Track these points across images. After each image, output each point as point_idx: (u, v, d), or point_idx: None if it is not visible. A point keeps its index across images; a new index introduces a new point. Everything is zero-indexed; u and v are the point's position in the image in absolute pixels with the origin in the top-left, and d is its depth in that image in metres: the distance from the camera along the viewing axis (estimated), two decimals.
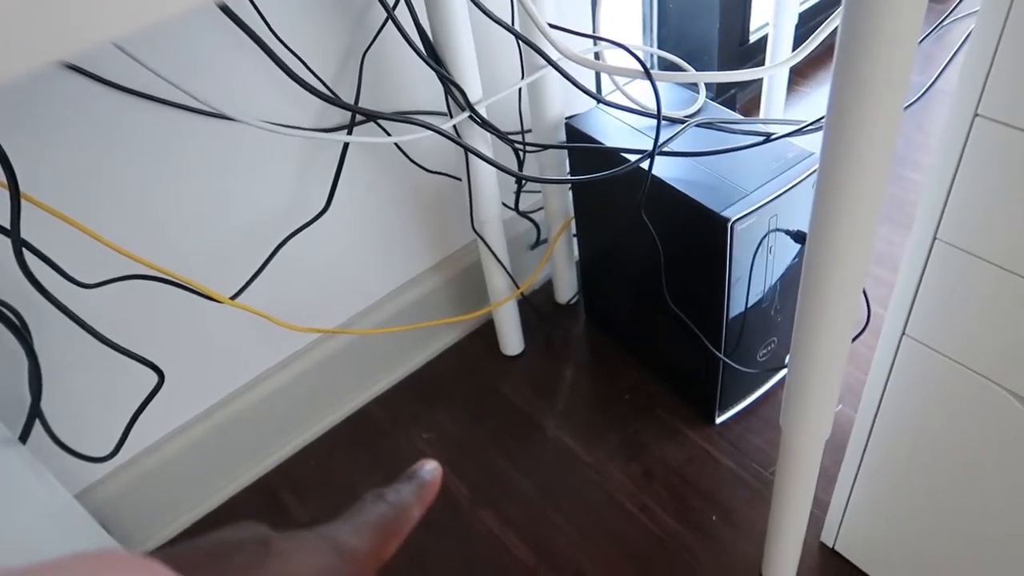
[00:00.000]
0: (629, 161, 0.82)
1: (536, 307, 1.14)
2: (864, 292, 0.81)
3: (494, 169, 0.87)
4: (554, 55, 0.79)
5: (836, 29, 0.42)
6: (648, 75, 0.76)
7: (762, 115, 1.20)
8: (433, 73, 0.80)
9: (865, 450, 0.69)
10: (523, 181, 1.05)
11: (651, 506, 0.88)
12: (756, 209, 0.75)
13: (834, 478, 0.75)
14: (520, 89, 0.96)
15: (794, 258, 0.84)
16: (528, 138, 0.99)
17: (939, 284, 0.55)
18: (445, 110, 0.84)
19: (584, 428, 0.98)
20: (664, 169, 0.81)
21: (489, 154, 0.85)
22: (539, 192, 1.09)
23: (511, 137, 0.88)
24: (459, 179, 0.98)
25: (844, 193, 0.46)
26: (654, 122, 0.82)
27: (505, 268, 0.97)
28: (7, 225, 0.61)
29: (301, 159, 0.84)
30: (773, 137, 0.81)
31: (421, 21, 0.77)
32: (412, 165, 0.94)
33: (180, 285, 0.75)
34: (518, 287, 1.01)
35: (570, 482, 0.92)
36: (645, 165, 0.80)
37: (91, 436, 0.80)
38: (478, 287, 1.06)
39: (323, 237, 0.90)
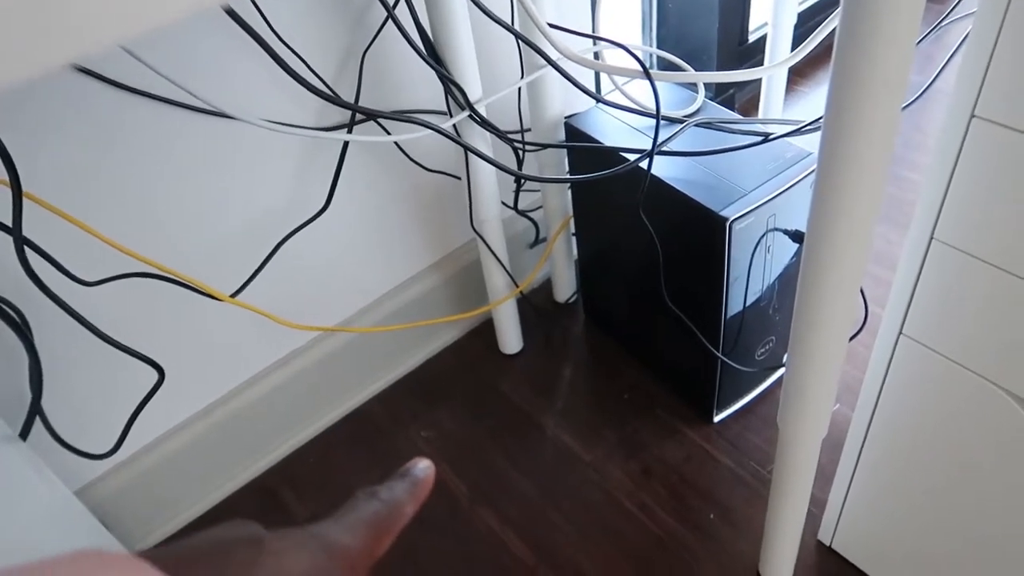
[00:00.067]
0: (628, 160, 0.82)
1: (535, 306, 1.14)
2: (862, 291, 0.81)
3: (493, 168, 0.87)
4: (554, 55, 0.79)
5: (835, 29, 0.42)
6: (647, 75, 0.77)
7: (761, 115, 1.20)
8: (433, 72, 0.80)
9: (862, 449, 0.70)
10: (522, 180, 1.05)
11: (650, 504, 0.89)
12: (754, 209, 0.75)
13: (831, 477, 0.75)
14: (520, 88, 0.96)
15: (792, 257, 0.84)
16: (527, 137, 0.99)
17: (936, 284, 0.55)
18: (445, 109, 0.85)
19: (583, 427, 0.98)
20: (663, 169, 0.81)
21: (489, 153, 0.85)
22: (538, 191, 1.10)
23: (510, 136, 0.88)
24: (459, 178, 0.99)
25: (842, 193, 0.47)
26: (653, 122, 0.82)
27: (504, 267, 0.98)
28: (7, 222, 0.61)
29: (301, 158, 0.84)
30: (772, 137, 0.82)
31: (421, 20, 0.77)
32: (412, 164, 0.94)
33: (180, 283, 0.75)
34: (517, 286, 1.02)
35: (569, 481, 0.92)
36: (644, 164, 0.80)
37: (91, 433, 0.80)
38: (477, 286, 1.06)
39: (323, 235, 0.90)
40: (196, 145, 0.75)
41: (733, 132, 0.84)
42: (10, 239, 0.63)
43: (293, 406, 0.97)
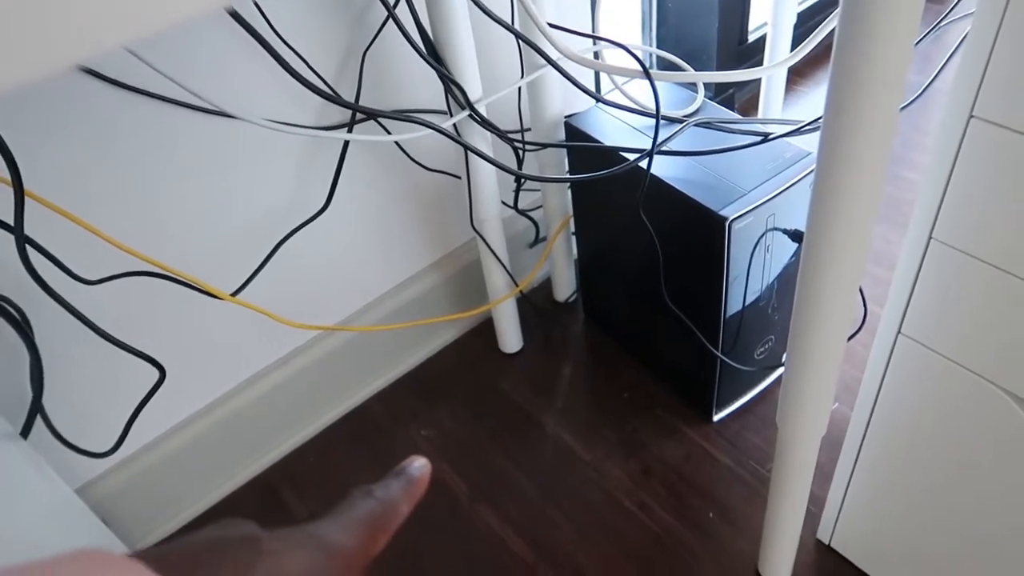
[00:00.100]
0: (628, 160, 0.82)
1: (535, 305, 1.14)
2: (861, 291, 0.82)
3: (493, 167, 0.88)
4: (554, 54, 0.80)
5: (834, 29, 0.42)
6: (647, 75, 0.77)
7: (760, 115, 1.20)
8: (433, 72, 0.80)
9: (861, 447, 0.70)
10: (522, 180, 1.05)
11: (649, 503, 0.89)
12: (754, 208, 0.75)
13: (830, 475, 0.76)
14: (520, 88, 0.96)
15: (791, 257, 0.85)
16: (527, 137, 0.99)
17: (934, 283, 0.56)
18: (445, 109, 0.85)
19: (583, 426, 0.98)
20: (663, 168, 0.81)
21: (489, 153, 0.85)
22: (538, 191, 1.10)
23: (511, 136, 0.88)
24: (459, 177, 0.99)
25: (841, 193, 0.47)
26: (653, 121, 0.83)
27: (504, 266, 0.98)
28: (6, 221, 0.61)
29: (302, 157, 0.84)
30: (771, 137, 0.82)
31: (422, 20, 0.77)
32: (412, 163, 0.94)
33: (181, 281, 0.76)
34: (517, 285, 1.02)
35: (569, 479, 0.93)
36: (644, 164, 0.81)
37: (92, 432, 0.80)
38: (477, 285, 1.06)
39: (323, 234, 0.91)
40: (197, 144, 0.76)
41: (733, 132, 0.85)
42: (10, 237, 0.63)
43: (293, 405, 0.97)
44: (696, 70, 0.84)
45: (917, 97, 0.86)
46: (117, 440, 0.78)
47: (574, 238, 1.06)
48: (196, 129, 0.75)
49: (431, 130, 0.80)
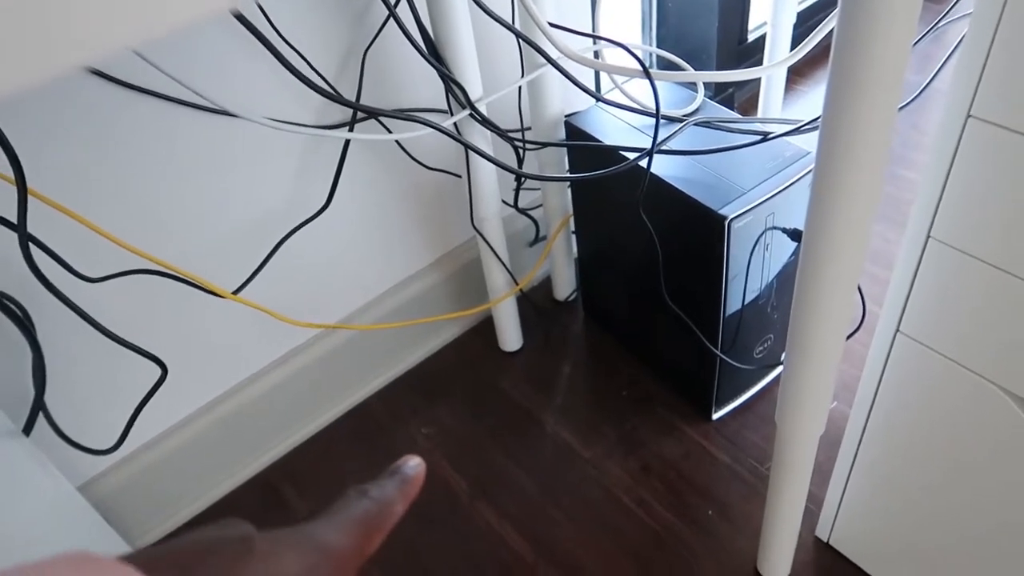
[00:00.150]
0: (628, 159, 0.83)
1: (535, 304, 1.15)
2: (860, 290, 0.82)
3: (494, 166, 0.88)
4: (554, 54, 0.80)
5: (833, 29, 0.43)
6: (647, 74, 0.77)
7: (760, 114, 1.21)
8: (434, 71, 0.80)
9: (859, 446, 0.70)
10: (522, 178, 1.06)
11: (648, 501, 0.89)
12: (753, 207, 0.76)
13: (829, 473, 0.76)
14: (520, 87, 0.97)
15: (791, 256, 0.85)
16: (528, 136, 0.99)
17: (933, 282, 0.56)
18: (446, 108, 0.85)
19: (582, 424, 0.99)
20: (662, 167, 0.81)
21: (489, 152, 0.86)
22: (538, 189, 1.10)
23: (511, 135, 0.88)
24: (459, 176, 0.99)
25: (839, 192, 0.47)
26: (652, 121, 0.83)
27: (504, 265, 0.98)
28: (9, 218, 0.62)
29: (303, 156, 0.84)
30: (770, 136, 0.82)
31: (422, 19, 0.78)
32: (413, 162, 0.95)
33: (183, 280, 0.76)
34: (517, 284, 1.02)
35: (568, 477, 0.93)
36: (644, 163, 0.81)
37: (93, 429, 0.81)
38: (477, 283, 1.07)
39: (324, 233, 0.91)
40: (198, 143, 0.76)
41: (732, 131, 0.85)
42: (12, 236, 0.63)
43: (294, 403, 0.98)
44: (696, 69, 0.85)
45: (916, 97, 0.86)
46: (119, 437, 0.79)
47: (574, 237, 1.06)
48: (197, 128, 0.75)
49: (432, 129, 0.80)
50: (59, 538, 0.71)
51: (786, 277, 0.86)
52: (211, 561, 0.22)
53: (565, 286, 1.14)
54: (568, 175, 1.00)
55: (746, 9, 1.30)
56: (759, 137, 0.82)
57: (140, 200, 0.74)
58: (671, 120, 0.86)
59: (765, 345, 0.93)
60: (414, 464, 0.29)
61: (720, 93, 1.37)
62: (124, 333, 0.72)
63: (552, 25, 0.78)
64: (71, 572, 0.17)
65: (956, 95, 0.48)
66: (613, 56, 0.97)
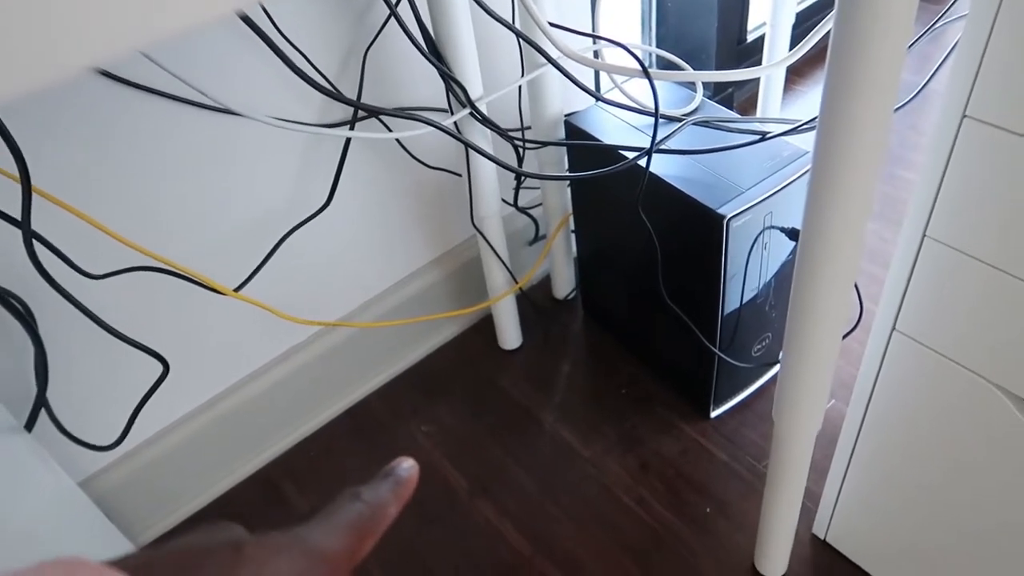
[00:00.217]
0: (627, 158, 0.83)
1: (534, 302, 1.15)
2: (857, 289, 0.82)
3: (494, 165, 0.88)
4: (554, 53, 0.80)
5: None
6: (646, 74, 0.77)
7: (759, 114, 1.21)
8: (434, 70, 0.81)
9: (856, 444, 0.71)
10: (522, 177, 1.06)
11: (647, 499, 0.90)
12: (751, 206, 0.76)
13: (826, 471, 0.76)
14: (520, 86, 0.97)
15: (789, 255, 0.85)
16: (528, 135, 1.00)
17: (929, 280, 0.56)
18: (446, 107, 0.85)
19: (581, 422, 0.99)
20: (661, 166, 0.82)
21: (489, 150, 0.86)
22: (538, 188, 1.10)
23: (511, 134, 0.89)
24: (459, 175, 0.99)
25: (836, 191, 0.48)
26: (652, 120, 0.83)
27: (504, 263, 0.99)
28: (11, 216, 0.62)
29: (304, 154, 0.85)
30: (768, 136, 0.83)
31: (423, 19, 0.78)
32: (413, 161, 0.95)
33: (185, 277, 0.76)
34: (517, 282, 1.03)
35: (567, 475, 0.93)
36: (643, 162, 0.81)
37: (95, 425, 0.81)
38: (477, 282, 1.07)
39: (325, 231, 0.91)
40: (199, 141, 0.76)
41: (731, 131, 0.85)
42: (14, 232, 0.64)
43: (295, 400, 0.98)
44: (695, 69, 0.85)
45: (913, 97, 0.86)
46: (121, 434, 0.79)
47: (573, 236, 1.06)
48: (199, 126, 0.75)
49: (432, 128, 0.80)
50: (61, 534, 0.71)
51: (784, 276, 0.87)
52: (203, 565, 0.22)
53: (564, 285, 1.14)
54: (568, 174, 1.00)
55: (745, 9, 1.30)
56: (757, 137, 0.83)
57: (141, 198, 0.75)
58: (670, 119, 0.87)
59: (763, 344, 0.93)
60: (407, 466, 0.29)
61: (719, 93, 1.38)
62: (126, 330, 0.73)
63: (552, 25, 0.78)
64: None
65: (952, 95, 0.48)
66: (613, 56, 0.97)
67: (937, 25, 0.81)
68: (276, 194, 0.85)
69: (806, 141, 0.77)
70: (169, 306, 0.82)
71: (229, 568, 0.22)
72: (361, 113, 0.85)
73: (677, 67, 0.93)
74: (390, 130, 0.90)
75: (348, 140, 0.86)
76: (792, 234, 0.82)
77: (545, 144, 0.95)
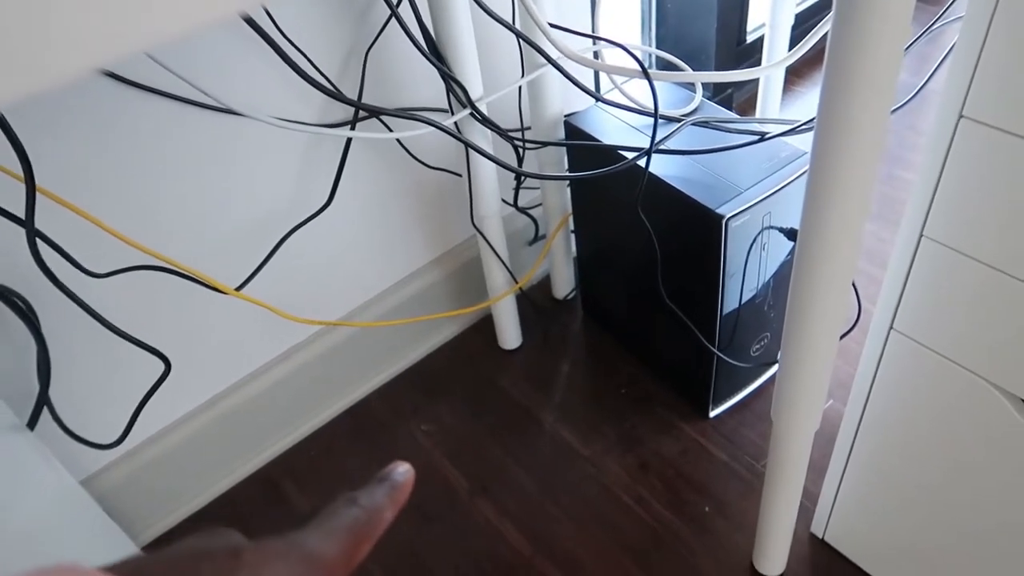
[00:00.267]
0: (626, 159, 0.83)
1: (534, 302, 1.15)
2: (855, 289, 0.83)
3: (494, 165, 0.89)
4: (554, 54, 0.81)
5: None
6: (646, 74, 0.78)
7: (758, 114, 1.21)
8: (435, 70, 0.81)
9: (854, 443, 0.71)
10: (522, 177, 1.06)
11: (647, 498, 0.90)
12: (750, 207, 0.76)
13: (824, 471, 0.77)
14: (520, 87, 0.97)
15: (787, 255, 0.86)
16: (527, 135, 1.00)
17: (926, 280, 0.57)
18: (446, 107, 0.86)
19: (581, 422, 0.99)
20: (661, 167, 0.82)
21: (489, 151, 0.86)
22: (538, 188, 1.11)
23: (511, 134, 0.89)
24: (459, 175, 1.00)
25: (833, 192, 0.48)
26: (651, 120, 0.84)
27: (504, 263, 0.99)
28: (15, 215, 0.62)
29: (305, 154, 0.85)
30: (767, 136, 0.83)
31: (424, 19, 0.78)
32: (414, 161, 0.95)
33: (186, 276, 0.77)
34: (516, 282, 1.03)
35: (567, 474, 0.94)
36: (642, 163, 0.82)
37: (97, 424, 0.81)
38: (477, 282, 1.07)
39: (326, 231, 0.92)
40: (200, 141, 0.77)
41: (730, 131, 0.86)
42: (15, 231, 0.64)
43: (295, 399, 0.99)
44: (694, 70, 0.85)
45: (911, 98, 0.87)
46: (122, 432, 0.79)
47: (573, 236, 1.07)
48: (200, 126, 0.76)
49: (433, 128, 0.81)
50: (62, 532, 0.71)
51: (782, 276, 0.87)
52: (200, 570, 0.22)
53: (564, 285, 1.15)
54: (567, 174, 1.00)
55: (745, 10, 1.31)
56: (756, 137, 0.83)
57: (143, 197, 0.75)
58: (669, 120, 0.87)
59: (762, 343, 0.93)
60: (403, 471, 0.29)
61: (719, 93, 1.38)
62: (128, 328, 0.73)
63: (552, 25, 0.79)
64: None
65: (948, 96, 0.49)
66: (612, 56, 0.97)
67: (935, 26, 0.82)
68: (277, 194, 0.85)
69: (805, 142, 0.77)
70: (170, 305, 0.82)
71: (227, 574, 0.22)
72: (362, 113, 0.86)
73: (676, 68, 0.93)
74: (391, 130, 0.90)
75: (349, 140, 0.86)
76: (791, 234, 0.83)
77: (545, 144, 0.96)
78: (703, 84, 0.91)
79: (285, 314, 0.88)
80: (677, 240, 0.84)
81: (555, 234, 1.07)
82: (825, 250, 0.51)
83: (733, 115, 0.89)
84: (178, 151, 0.75)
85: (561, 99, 0.93)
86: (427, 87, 0.92)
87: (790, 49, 0.94)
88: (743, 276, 0.82)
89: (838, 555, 0.82)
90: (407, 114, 0.81)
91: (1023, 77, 0.45)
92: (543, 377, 1.06)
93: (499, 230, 0.96)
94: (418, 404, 1.04)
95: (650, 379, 1.03)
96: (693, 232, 0.81)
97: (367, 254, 0.98)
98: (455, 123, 0.83)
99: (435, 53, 0.80)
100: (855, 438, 0.70)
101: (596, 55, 0.97)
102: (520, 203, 1.08)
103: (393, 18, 0.80)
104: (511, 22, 0.85)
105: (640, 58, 0.78)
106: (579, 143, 0.91)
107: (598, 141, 0.88)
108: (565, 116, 0.93)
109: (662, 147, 0.84)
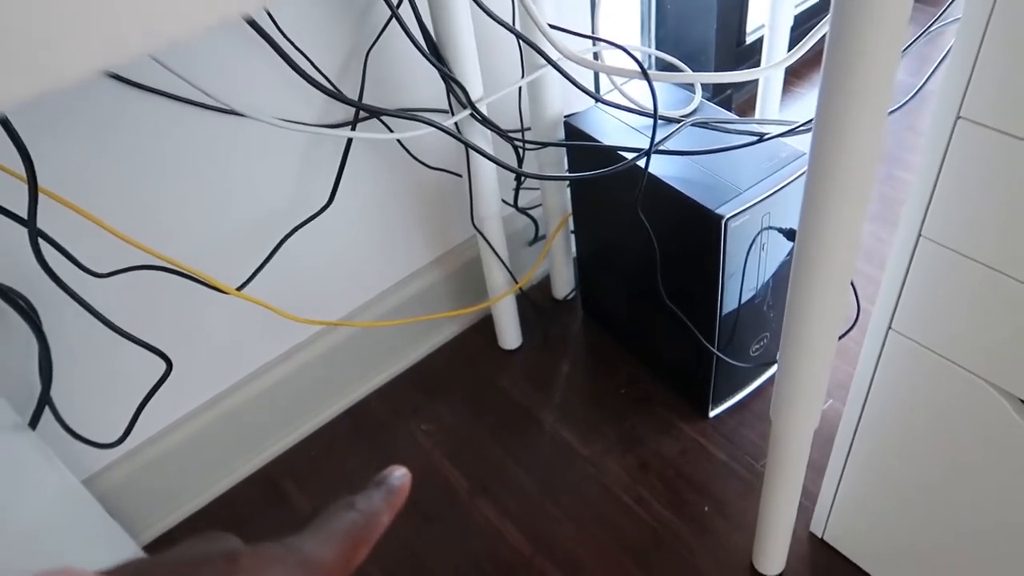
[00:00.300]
0: (626, 159, 0.84)
1: (534, 302, 1.16)
2: (854, 289, 0.83)
3: (494, 166, 0.89)
4: (554, 55, 0.81)
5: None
6: (645, 75, 0.78)
7: (757, 115, 1.22)
8: (435, 71, 0.81)
9: (853, 443, 0.71)
10: (522, 178, 1.07)
11: (646, 498, 0.90)
12: (749, 207, 0.77)
13: (823, 470, 0.77)
14: (520, 88, 0.98)
15: (786, 255, 0.86)
16: (527, 136, 1.00)
17: (924, 280, 0.57)
18: (447, 107, 0.86)
19: (581, 422, 0.99)
20: (660, 167, 0.82)
21: (489, 151, 0.87)
22: (538, 189, 1.11)
23: (511, 135, 0.89)
24: (460, 175, 1.00)
25: (831, 192, 0.48)
26: (651, 121, 0.84)
27: (504, 263, 0.99)
28: (17, 214, 0.63)
29: (305, 154, 0.85)
30: (767, 137, 0.83)
31: (424, 20, 0.79)
32: (414, 161, 0.96)
33: (188, 276, 0.77)
34: (516, 282, 1.03)
35: (567, 474, 0.94)
36: (642, 163, 0.82)
37: (98, 423, 0.81)
38: (477, 282, 1.08)
39: (326, 231, 0.92)
40: (201, 141, 0.77)
41: (729, 132, 0.86)
42: (17, 231, 0.64)
43: (295, 399, 0.99)
44: (694, 71, 0.85)
45: (910, 99, 0.87)
46: (124, 431, 0.79)
47: (573, 236, 1.07)
48: (201, 126, 0.76)
49: (433, 128, 0.81)
50: (64, 531, 0.71)
51: (782, 276, 0.87)
52: (198, 575, 0.22)
53: (564, 285, 1.15)
54: (567, 174, 1.01)
55: (744, 11, 1.31)
56: (755, 138, 0.83)
57: (144, 197, 0.75)
58: (669, 121, 0.87)
59: (761, 343, 0.94)
60: (400, 475, 0.29)
61: (718, 94, 1.38)
62: (129, 328, 0.73)
63: (552, 26, 0.79)
64: None
65: (946, 97, 0.49)
66: (612, 57, 0.98)
67: (933, 27, 0.82)
68: (278, 194, 0.85)
69: (804, 142, 0.78)
70: (171, 305, 0.83)
71: None
72: (362, 114, 0.86)
73: (676, 68, 0.94)
74: (391, 131, 0.90)
75: (349, 140, 0.87)
76: (790, 235, 0.83)
77: (545, 145, 0.96)
78: (702, 85, 0.91)
79: (285, 314, 0.88)
80: (677, 240, 0.84)
81: (555, 234, 1.07)
82: (824, 250, 0.51)
83: (732, 116, 0.89)
84: (179, 151, 0.76)
85: (561, 100, 0.93)
86: (427, 88, 0.92)
87: (789, 50, 0.94)
88: (742, 276, 0.83)
89: (837, 554, 0.82)
90: (407, 115, 0.81)
91: (1020, 78, 0.45)
92: (543, 377, 1.06)
93: (499, 230, 0.97)
94: (418, 404, 1.04)
95: (650, 379, 1.03)
96: (693, 232, 0.81)
97: (367, 254, 0.99)
98: (455, 124, 0.84)
99: (435, 54, 0.80)
100: (854, 438, 0.71)
101: (596, 56, 0.97)
102: (520, 203, 1.09)
103: (393, 19, 0.80)
104: (511, 23, 0.85)
105: (640, 59, 0.78)
106: (579, 144, 0.92)
107: (598, 142, 0.88)
108: (565, 117, 0.93)
109: (662, 148, 0.84)
